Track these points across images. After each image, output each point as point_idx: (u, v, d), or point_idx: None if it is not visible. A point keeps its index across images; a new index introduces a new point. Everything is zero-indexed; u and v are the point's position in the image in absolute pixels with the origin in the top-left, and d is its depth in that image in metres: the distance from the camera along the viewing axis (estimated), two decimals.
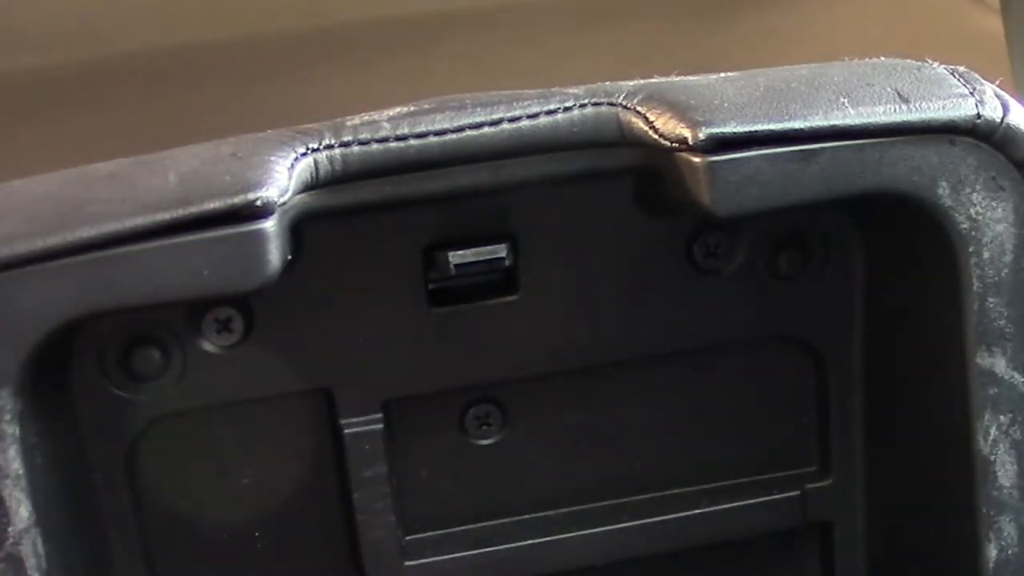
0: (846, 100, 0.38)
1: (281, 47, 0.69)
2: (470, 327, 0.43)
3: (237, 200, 0.35)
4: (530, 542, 0.45)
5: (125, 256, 0.35)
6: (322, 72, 0.70)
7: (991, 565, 0.41)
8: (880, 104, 0.38)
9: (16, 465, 0.36)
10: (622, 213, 0.43)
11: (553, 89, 0.40)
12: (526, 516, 0.46)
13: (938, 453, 0.43)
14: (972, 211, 0.39)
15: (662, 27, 0.75)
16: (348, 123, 0.39)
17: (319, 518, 0.45)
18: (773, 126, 0.38)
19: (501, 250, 0.40)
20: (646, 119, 0.39)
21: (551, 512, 0.46)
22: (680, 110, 0.38)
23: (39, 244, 0.35)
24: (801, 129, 0.38)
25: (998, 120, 0.39)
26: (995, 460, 0.41)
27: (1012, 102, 0.39)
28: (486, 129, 0.39)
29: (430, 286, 0.42)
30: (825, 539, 0.48)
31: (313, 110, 0.43)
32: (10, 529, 0.36)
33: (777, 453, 0.47)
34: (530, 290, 0.43)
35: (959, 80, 0.40)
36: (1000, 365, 0.40)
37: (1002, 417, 0.41)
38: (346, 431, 0.43)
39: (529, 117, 0.39)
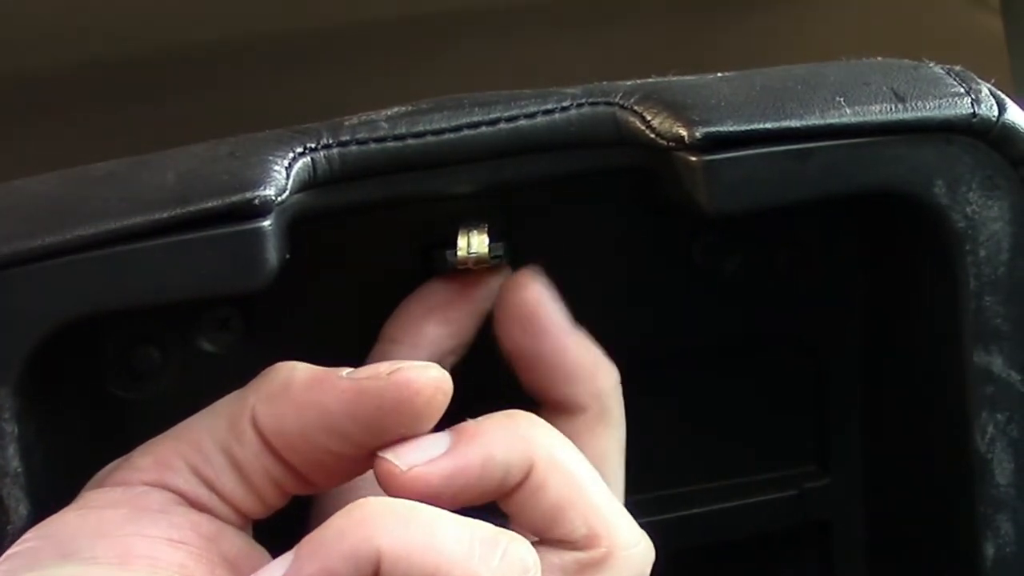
0: (842, 99, 0.39)
1: (281, 47, 0.69)
2: None
3: (235, 199, 0.36)
4: None
5: (124, 255, 0.35)
6: (322, 72, 0.70)
7: (989, 563, 0.41)
8: (876, 103, 0.39)
9: (15, 463, 0.36)
10: (619, 212, 0.43)
11: (551, 89, 0.40)
12: None
13: (935, 451, 0.43)
14: (968, 209, 0.39)
15: (662, 27, 0.75)
16: (346, 123, 0.39)
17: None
18: (769, 125, 0.38)
19: (498, 249, 0.41)
20: (643, 118, 0.39)
21: None
22: (677, 109, 0.38)
23: (38, 243, 0.35)
24: (797, 128, 0.38)
25: (994, 119, 0.39)
26: (992, 459, 0.41)
27: (1008, 101, 0.39)
28: (483, 129, 0.39)
29: None
30: (824, 538, 0.48)
31: (313, 110, 0.43)
32: (9, 527, 0.36)
33: (775, 452, 0.47)
34: None
35: (955, 79, 0.40)
36: (997, 363, 0.40)
37: (999, 415, 0.41)
38: None
39: (526, 117, 0.39)
